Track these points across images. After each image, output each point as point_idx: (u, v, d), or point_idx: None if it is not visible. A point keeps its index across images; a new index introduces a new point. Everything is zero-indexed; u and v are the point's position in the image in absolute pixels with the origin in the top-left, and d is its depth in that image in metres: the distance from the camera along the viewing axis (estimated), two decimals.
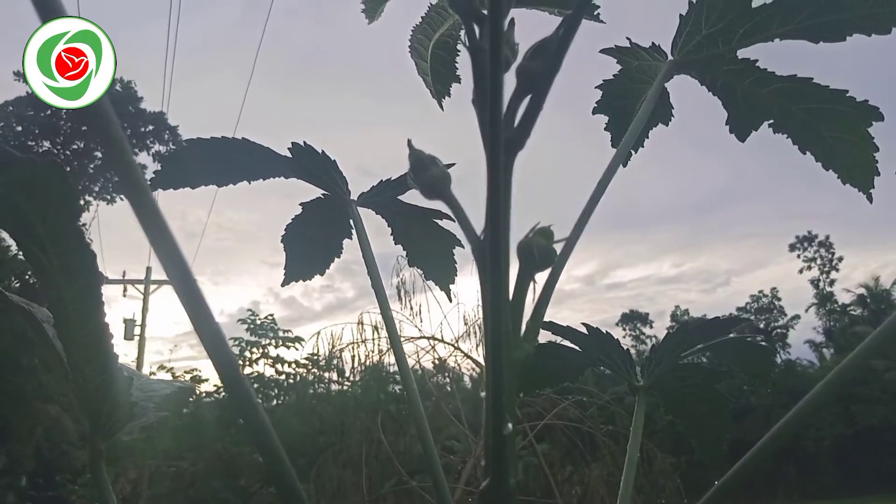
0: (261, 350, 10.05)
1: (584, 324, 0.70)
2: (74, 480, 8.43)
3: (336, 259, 0.78)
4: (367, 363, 7.23)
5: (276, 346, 10.18)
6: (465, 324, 6.54)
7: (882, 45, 0.58)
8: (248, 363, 9.84)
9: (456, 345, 6.33)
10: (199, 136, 0.66)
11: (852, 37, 0.58)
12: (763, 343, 0.75)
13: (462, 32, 0.56)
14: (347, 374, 7.77)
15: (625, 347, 0.72)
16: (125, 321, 15.82)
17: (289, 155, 0.67)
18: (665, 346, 0.72)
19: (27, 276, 9.50)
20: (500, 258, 0.45)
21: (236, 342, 9.83)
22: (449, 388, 6.69)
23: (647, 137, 0.73)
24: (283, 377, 10.12)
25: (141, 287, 16.31)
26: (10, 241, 9.10)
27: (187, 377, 10.02)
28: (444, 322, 7.02)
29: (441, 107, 0.74)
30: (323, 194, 0.72)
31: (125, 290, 16.29)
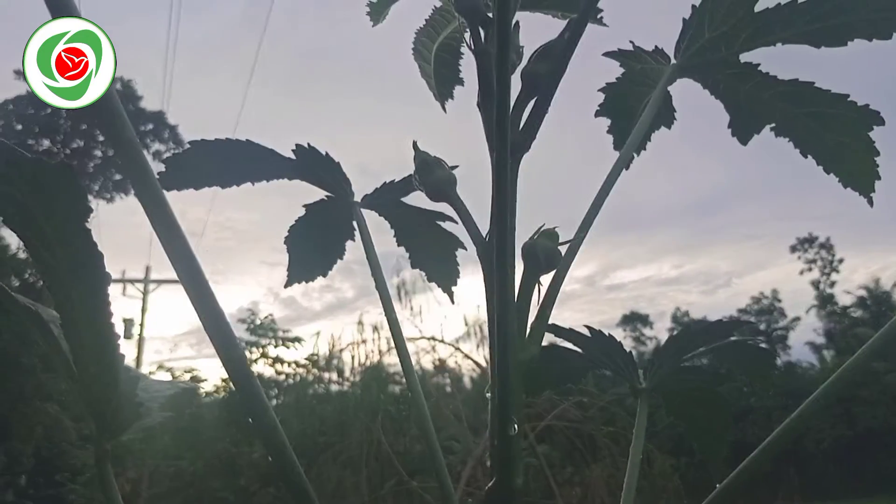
0: (260, 350, 10.05)
1: (586, 326, 0.70)
2: (74, 479, 8.42)
3: (339, 261, 0.78)
4: (368, 363, 7.24)
5: (276, 346, 10.19)
6: (466, 324, 6.55)
7: (883, 49, 0.58)
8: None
9: (456, 345, 6.33)
10: (203, 138, 0.67)
11: (853, 41, 0.59)
12: (765, 346, 0.76)
13: (466, 35, 0.56)
14: (347, 375, 7.78)
15: (627, 349, 0.72)
16: (124, 320, 15.82)
17: (293, 157, 0.67)
18: (668, 349, 0.72)
19: (27, 276, 9.49)
20: (505, 260, 0.45)
21: None
22: (449, 389, 6.69)
23: (650, 140, 0.73)
24: (282, 377, 10.12)
25: (140, 286, 16.32)
26: (10, 241, 9.08)
27: (187, 377, 10.02)
28: (444, 322, 7.03)
29: (444, 109, 0.74)
30: (326, 196, 0.73)
31: (125, 289, 16.30)
